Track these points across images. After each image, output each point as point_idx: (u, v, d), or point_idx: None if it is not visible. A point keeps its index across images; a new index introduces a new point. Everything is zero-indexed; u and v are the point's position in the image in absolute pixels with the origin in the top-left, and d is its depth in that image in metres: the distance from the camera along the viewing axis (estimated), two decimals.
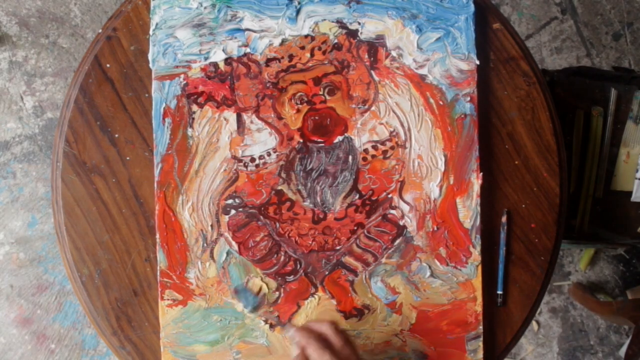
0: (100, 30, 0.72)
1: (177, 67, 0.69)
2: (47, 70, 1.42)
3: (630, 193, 0.89)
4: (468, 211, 0.69)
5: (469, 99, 0.70)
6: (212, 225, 0.69)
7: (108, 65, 0.71)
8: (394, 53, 0.70)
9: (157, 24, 0.69)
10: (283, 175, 0.69)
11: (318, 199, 0.70)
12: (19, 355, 1.37)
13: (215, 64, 0.69)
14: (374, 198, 0.70)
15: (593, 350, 1.39)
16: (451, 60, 0.70)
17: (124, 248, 0.70)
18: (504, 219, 0.70)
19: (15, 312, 1.37)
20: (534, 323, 1.39)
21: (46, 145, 1.41)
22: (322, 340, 0.58)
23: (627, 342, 1.18)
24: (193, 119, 0.69)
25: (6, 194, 1.39)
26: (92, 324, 0.71)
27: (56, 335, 1.37)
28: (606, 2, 1.42)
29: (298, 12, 0.70)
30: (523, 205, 0.71)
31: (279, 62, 0.70)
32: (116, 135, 0.71)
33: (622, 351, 1.36)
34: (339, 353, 0.58)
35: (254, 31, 0.70)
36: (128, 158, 0.71)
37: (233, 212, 0.69)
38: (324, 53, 0.70)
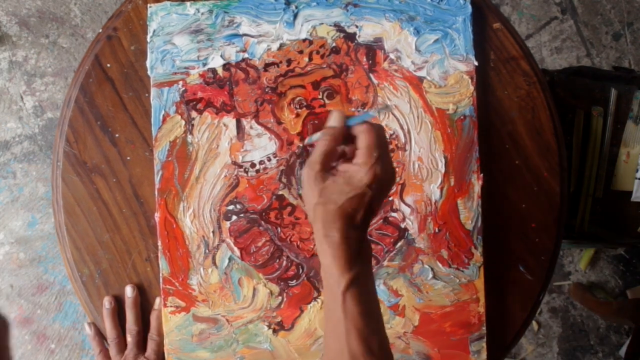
0: (100, 30, 0.71)
1: (175, 73, 0.69)
2: (47, 70, 1.42)
3: (630, 193, 0.89)
4: (469, 212, 0.69)
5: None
6: (213, 232, 0.69)
7: (108, 65, 0.71)
8: (392, 56, 0.70)
9: (154, 31, 0.69)
10: (283, 180, 0.69)
11: None
12: (19, 355, 1.37)
13: (213, 70, 0.69)
14: None
15: (593, 350, 1.39)
16: (449, 61, 0.70)
17: (124, 248, 0.70)
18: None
19: (15, 312, 1.37)
20: (534, 323, 1.39)
21: (46, 145, 1.41)
22: None
23: (627, 342, 1.18)
24: (192, 125, 0.69)
25: (6, 194, 1.39)
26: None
27: (56, 335, 1.37)
28: (606, 2, 1.42)
29: (295, 16, 0.70)
30: (523, 205, 0.71)
31: (278, 66, 0.69)
32: (116, 135, 0.70)
33: (622, 351, 1.36)
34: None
35: (252, 36, 0.69)
36: (128, 158, 0.70)
37: (234, 217, 0.69)
38: (322, 57, 0.70)
